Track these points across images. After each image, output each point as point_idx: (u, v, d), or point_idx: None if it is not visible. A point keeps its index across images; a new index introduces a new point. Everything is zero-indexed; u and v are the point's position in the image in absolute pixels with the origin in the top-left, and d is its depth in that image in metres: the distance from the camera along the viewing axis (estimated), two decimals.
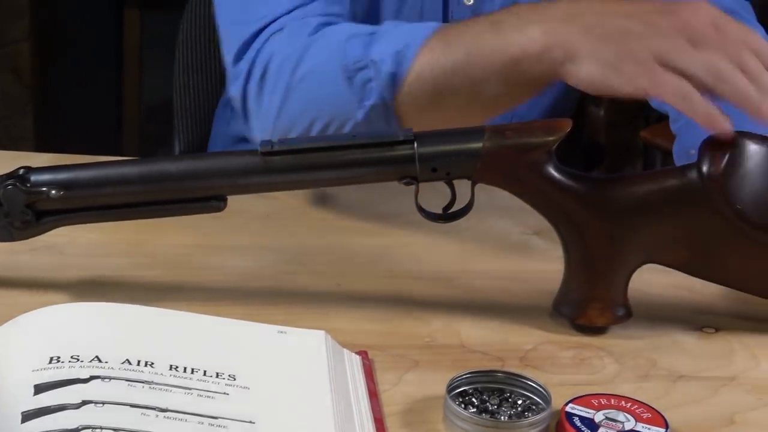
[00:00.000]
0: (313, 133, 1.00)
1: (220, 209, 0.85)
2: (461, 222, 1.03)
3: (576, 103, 1.40)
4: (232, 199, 1.00)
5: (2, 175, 0.84)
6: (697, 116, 0.85)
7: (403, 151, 0.83)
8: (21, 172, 0.83)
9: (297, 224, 1.04)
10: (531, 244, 1.03)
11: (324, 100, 1.01)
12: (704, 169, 0.84)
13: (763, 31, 1.17)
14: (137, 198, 0.84)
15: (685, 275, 0.89)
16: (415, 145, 0.83)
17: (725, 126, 0.84)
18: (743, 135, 0.86)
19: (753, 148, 0.85)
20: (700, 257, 0.87)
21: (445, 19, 1.19)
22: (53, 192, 0.82)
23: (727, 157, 0.84)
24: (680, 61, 0.86)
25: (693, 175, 0.85)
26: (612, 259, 0.86)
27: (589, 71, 0.88)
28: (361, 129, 0.98)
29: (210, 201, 0.85)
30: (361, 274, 0.95)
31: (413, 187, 0.85)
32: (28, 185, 0.83)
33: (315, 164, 0.83)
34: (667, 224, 0.85)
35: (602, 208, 0.85)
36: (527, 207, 0.88)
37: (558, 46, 0.90)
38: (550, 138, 0.83)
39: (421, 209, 0.86)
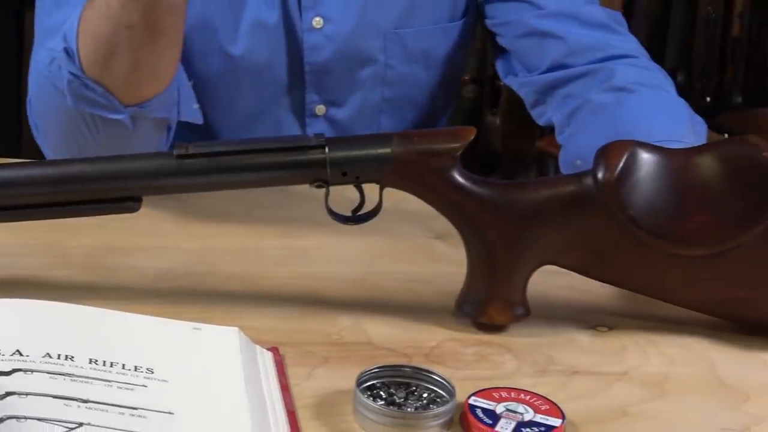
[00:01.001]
0: (69, 139, 1.08)
1: (134, 210, 0.87)
2: (369, 226, 1.06)
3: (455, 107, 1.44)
4: (143, 202, 1.02)
5: None
6: None
7: (314, 155, 0.86)
8: None
9: (208, 227, 1.06)
10: (435, 247, 1.07)
11: (53, 112, 1.09)
12: (599, 176, 0.89)
13: (636, 42, 1.23)
14: (53, 198, 0.86)
15: (582, 277, 0.94)
16: (326, 150, 0.86)
17: None
18: (637, 144, 0.90)
19: (646, 157, 0.90)
20: (594, 259, 0.91)
21: (293, 43, 1.23)
22: None
23: (621, 165, 0.89)
24: None
25: (589, 181, 0.89)
26: (512, 260, 0.90)
27: None
28: (80, 111, 1.05)
29: (125, 202, 0.87)
30: (271, 275, 0.98)
31: (324, 190, 0.88)
32: None
33: (228, 167, 0.86)
34: (564, 228, 0.89)
35: (503, 212, 0.89)
36: (432, 212, 0.91)
37: None
38: (456, 144, 0.87)
39: (331, 212, 0.89)
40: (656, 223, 0.89)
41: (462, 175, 0.88)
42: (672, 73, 2.28)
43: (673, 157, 0.91)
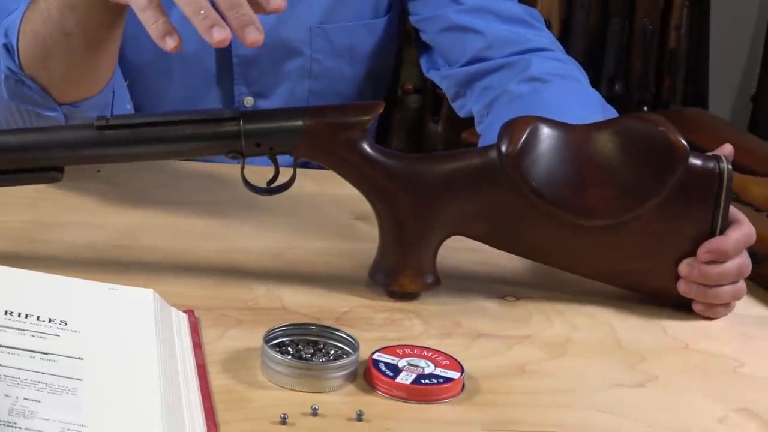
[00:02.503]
0: (2, 124, 1.11)
1: (57, 180, 0.91)
2: (293, 206, 1.12)
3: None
4: (68, 182, 1.06)
5: None
6: (146, 27, 0.91)
7: (229, 127, 0.90)
8: None
9: (136, 206, 1.09)
10: (355, 227, 1.11)
11: None
12: (503, 149, 0.93)
13: (552, 36, 1.28)
14: None
15: (493, 250, 0.98)
16: (241, 122, 0.90)
17: (168, 44, 0.90)
18: (539, 120, 0.95)
19: (547, 132, 0.95)
20: (500, 230, 0.96)
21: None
22: None
23: (523, 138, 0.94)
24: None
25: (493, 154, 0.94)
26: (421, 230, 0.94)
27: None
28: (12, 104, 1.09)
29: (49, 171, 0.91)
30: (192, 248, 1.02)
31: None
32: None
33: (147, 138, 0.90)
34: (471, 199, 0.94)
35: (411, 183, 0.93)
36: (355, 195, 0.95)
37: None
38: (365, 117, 0.92)
39: (246, 182, 0.93)
40: (557, 194, 0.94)
41: (372, 147, 0.92)
42: (610, 84, 2.35)
43: (573, 132, 0.95)
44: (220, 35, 0.86)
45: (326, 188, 1.20)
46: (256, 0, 0.88)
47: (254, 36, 0.87)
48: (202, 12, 0.87)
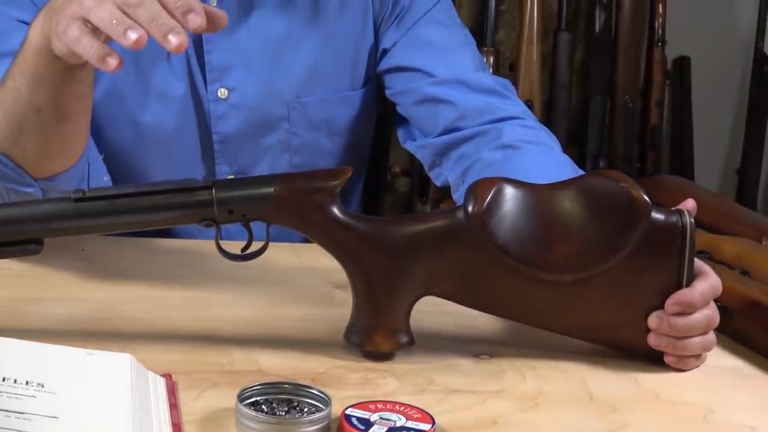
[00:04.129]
0: None
1: (36, 252, 0.93)
2: (270, 278, 1.14)
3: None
4: (53, 260, 1.09)
5: None
6: (85, 56, 0.94)
7: (202, 196, 0.93)
8: None
9: (115, 281, 1.12)
10: (333, 294, 1.13)
11: None
12: (469, 209, 0.96)
13: (523, 105, 1.31)
14: None
15: (468, 311, 1.00)
16: (213, 190, 0.93)
17: (110, 63, 0.92)
18: (503, 180, 0.98)
19: (512, 191, 0.98)
20: (469, 289, 0.98)
21: (200, 113, 1.30)
22: None
23: (489, 198, 0.96)
24: (78, 11, 0.95)
25: (460, 215, 0.96)
26: (392, 290, 0.96)
27: (55, 44, 0.99)
28: None
29: (28, 244, 0.93)
30: (171, 318, 1.04)
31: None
32: None
33: (122, 209, 0.93)
34: (439, 259, 0.96)
35: (381, 244, 0.95)
36: (335, 265, 0.98)
37: (42, 33, 1.02)
38: (334, 182, 0.95)
39: (221, 249, 0.96)
40: (524, 251, 0.96)
41: (341, 211, 0.95)
42: (594, 161, 2.39)
43: (537, 191, 0.98)
44: (135, 34, 0.91)
45: (305, 260, 1.23)
46: (180, 19, 0.92)
47: (178, 39, 0.91)
48: (114, 21, 0.91)
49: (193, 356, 0.96)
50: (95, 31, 0.94)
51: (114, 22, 0.91)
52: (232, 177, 1.30)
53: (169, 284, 1.12)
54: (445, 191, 1.38)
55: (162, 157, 1.29)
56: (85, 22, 0.94)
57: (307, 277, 1.18)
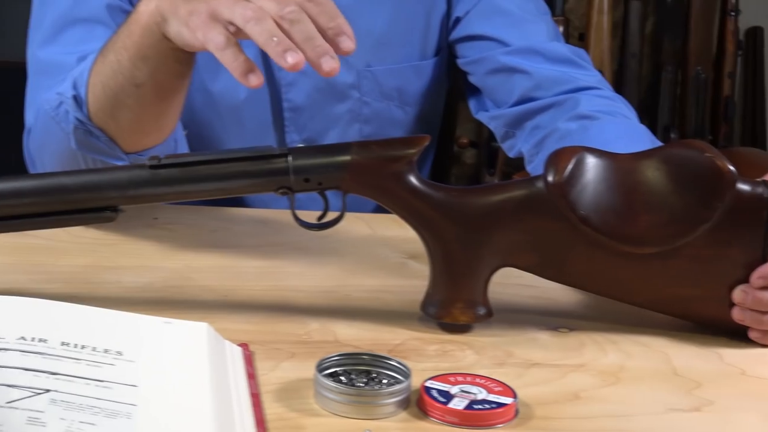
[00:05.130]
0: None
1: (112, 219, 0.93)
2: (343, 248, 1.13)
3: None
4: (127, 228, 1.09)
5: None
6: (227, 66, 0.92)
7: (278, 164, 0.92)
8: None
9: (190, 249, 1.12)
10: (407, 265, 1.12)
11: (55, 150, 1.14)
12: (549, 179, 0.94)
13: (599, 75, 1.28)
14: (36, 209, 0.92)
15: (545, 283, 0.99)
16: (289, 158, 0.92)
17: (252, 81, 0.91)
18: (584, 149, 0.96)
19: (593, 161, 0.95)
20: (549, 261, 0.96)
21: (271, 81, 1.29)
22: None
23: (569, 168, 0.94)
24: (225, 13, 0.93)
25: (540, 184, 0.94)
26: (470, 261, 0.94)
27: (175, 29, 0.97)
28: (80, 154, 1.11)
29: (104, 211, 0.92)
30: (247, 288, 1.03)
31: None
32: None
33: (198, 176, 0.92)
34: (518, 230, 0.94)
35: (459, 215, 0.94)
36: (407, 236, 0.96)
37: (158, 11, 0.99)
38: (411, 150, 0.93)
39: (297, 218, 0.95)
40: (606, 222, 0.94)
41: (419, 180, 0.93)
42: (665, 132, 2.35)
43: (619, 161, 0.96)
44: (293, 59, 0.88)
45: (378, 230, 1.22)
46: (330, 39, 0.90)
47: (331, 64, 0.89)
48: (275, 39, 0.88)
49: (269, 326, 0.95)
50: (237, 33, 0.92)
51: (274, 40, 0.89)
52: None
53: (243, 253, 1.12)
54: (513, 163, 1.36)
55: (233, 126, 1.28)
56: (228, 25, 0.92)
57: (380, 248, 1.16)
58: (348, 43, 0.91)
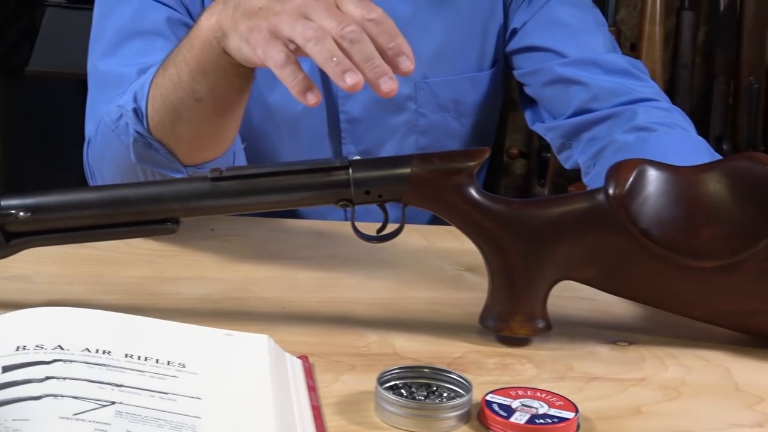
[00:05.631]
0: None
1: (173, 231, 0.93)
2: (400, 259, 1.13)
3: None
4: (184, 240, 1.09)
5: None
6: (286, 84, 0.92)
7: (339, 176, 0.92)
8: None
9: (248, 261, 1.12)
10: (464, 278, 1.12)
11: (115, 162, 1.15)
12: (610, 191, 0.94)
13: (656, 87, 1.28)
14: (98, 221, 0.92)
15: (603, 296, 0.98)
16: (350, 170, 0.92)
17: (309, 99, 0.90)
18: (645, 162, 0.95)
19: (654, 174, 0.95)
20: (609, 274, 0.95)
21: (328, 92, 1.29)
22: (21, 214, 0.90)
23: (630, 180, 0.94)
24: (286, 31, 0.92)
25: (601, 197, 0.94)
26: (530, 274, 0.94)
27: (235, 45, 0.97)
28: (139, 167, 1.12)
29: (165, 223, 0.93)
30: (305, 299, 1.03)
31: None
32: None
33: (259, 189, 0.92)
34: (579, 243, 0.94)
35: (519, 227, 0.93)
36: (463, 248, 0.96)
37: (218, 26, 0.99)
38: (472, 163, 0.93)
39: (356, 231, 0.95)
40: (667, 235, 0.93)
41: (479, 193, 0.93)
42: (717, 143, 2.33)
43: (681, 173, 0.95)
44: (352, 80, 0.87)
45: (433, 242, 1.22)
46: (389, 59, 0.89)
47: (389, 85, 0.88)
48: (334, 59, 0.88)
49: (328, 338, 0.95)
50: (296, 51, 0.92)
51: (334, 60, 0.89)
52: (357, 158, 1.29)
53: (300, 265, 1.12)
54: (564, 174, 1.36)
55: (290, 137, 1.28)
56: (288, 42, 0.92)
57: (437, 260, 1.16)
58: (407, 64, 0.91)
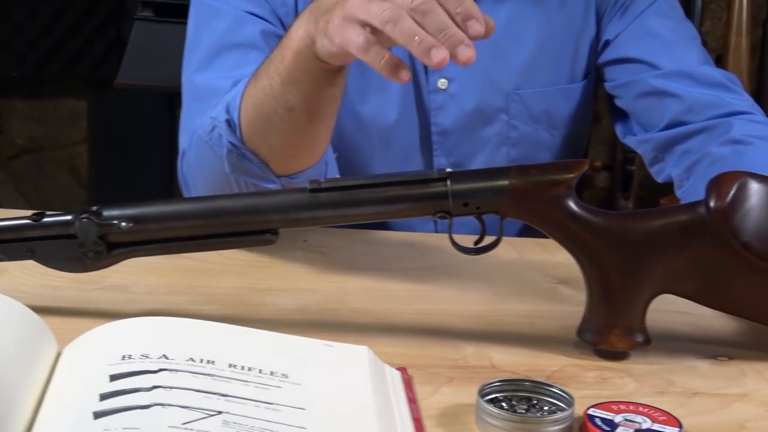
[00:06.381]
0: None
1: (272, 242, 0.94)
2: (493, 271, 1.12)
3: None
4: (278, 251, 1.10)
5: (77, 210, 0.94)
6: (374, 66, 0.91)
7: (437, 188, 0.92)
8: (94, 208, 0.93)
9: (341, 272, 1.12)
10: (557, 290, 1.11)
11: (209, 173, 1.16)
12: (711, 204, 0.92)
13: (751, 100, 1.26)
14: (198, 231, 0.93)
15: (702, 310, 0.97)
16: (448, 182, 0.92)
17: (403, 76, 0.90)
18: (747, 174, 0.94)
19: (756, 187, 0.93)
20: (709, 287, 0.94)
21: (420, 104, 1.28)
22: (123, 224, 0.92)
23: (732, 193, 0.93)
24: (361, 14, 0.92)
25: (701, 210, 0.93)
26: (629, 288, 0.93)
27: (320, 45, 0.98)
28: (232, 177, 1.13)
29: (264, 234, 0.94)
30: (398, 311, 1.03)
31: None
32: (101, 218, 0.92)
33: (357, 200, 0.92)
34: (679, 256, 0.93)
35: (618, 240, 0.92)
36: (555, 260, 0.95)
37: (306, 35, 0.99)
38: (570, 175, 0.92)
39: (454, 243, 0.94)
40: None
41: (578, 205, 0.92)
42: None
43: None
44: (438, 57, 0.87)
45: (524, 254, 1.21)
46: (458, 24, 0.89)
47: (466, 54, 0.87)
48: (416, 38, 0.88)
49: (425, 350, 0.95)
50: (377, 35, 0.92)
51: (417, 39, 0.88)
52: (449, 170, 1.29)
53: (392, 277, 1.12)
54: (648, 187, 1.34)
55: (381, 150, 1.29)
56: (364, 25, 0.92)
57: (529, 272, 1.16)
58: (477, 27, 0.89)
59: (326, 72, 1.01)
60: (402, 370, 0.89)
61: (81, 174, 2.73)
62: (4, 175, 2.77)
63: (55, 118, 2.71)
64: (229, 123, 1.11)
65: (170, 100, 2.28)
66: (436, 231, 1.28)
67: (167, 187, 2.32)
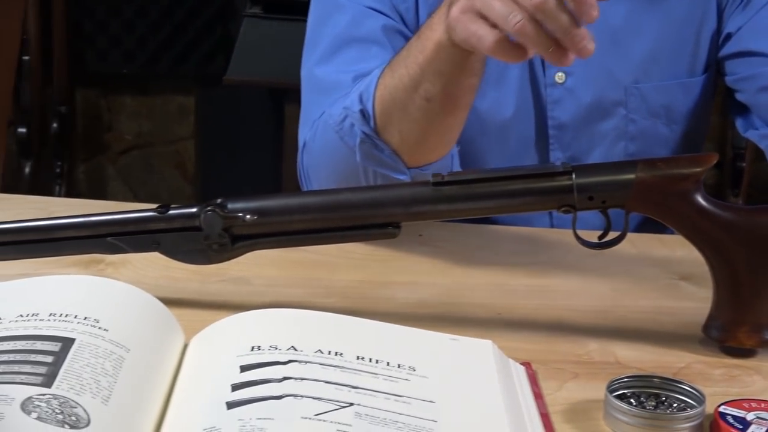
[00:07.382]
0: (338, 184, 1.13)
1: (394, 236, 0.94)
2: (612, 267, 1.11)
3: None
4: (395, 245, 1.10)
5: (202, 203, 0.94)
6: (505, 60, 0.94)
7: (562, 181, 0.91)
8: (219, 201, 0.94)
9: (459, 266, 1.12)
10: (679, 286, 1.09)
11: (335, 163, 1.15)
12: None
13: None
14: (320, 224, 0.94)
15: None
16: (573, 176, 0.91)
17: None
18: None
19: None
20: None
21: (537, 98, 1.28)
22: (248, 217, 0.92)
23: None
24: (485, 11, 0.93)
25: None
26: (758, 284, 0.91)
27: (456, 34, 0.97)
28: (364, 167, 1.12)
29: (386, 227, 0.93)
30: (519, 306, 1.02)
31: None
32: (226, 211, 0.93)
33: (481, 194, 0.92)
34: None
35: (748, 236, 0.90)
36: (676, 256, 0.93)
37: (448, 26, 0.99)
38: (698, 169, 0.91)
39: (578, 238, 0.93)
40: None
41: (705, 199, 0.91)
42: None
43: None
44: (568, 62, 0.91)
45: (643, 250, 1.19)
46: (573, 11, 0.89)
47: (590, 49, 0.90)
48: (550, 50, 0.90)
49: (548, 345, 0.94)
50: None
51: (550, 50, 0.90)
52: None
53: (511, 271, 1.11)
54: (758, 185, 1.31)
55: (497, 144, 1.28)
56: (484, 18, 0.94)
57: (649, 268, 1.14)
58: (593, 13, 0.89)
59: (465, 60, 1.01)
60: (526, 365, 0.88)
61: (187, 170, 2.77)
62: (113, 171, 2.82)
63: (163, 114, 2.75)
64: (363, 113, 1.10)
65: (278, 97, 2.29)
66: (552, 226, 1.27)
67: (274, 183, 2.33)
